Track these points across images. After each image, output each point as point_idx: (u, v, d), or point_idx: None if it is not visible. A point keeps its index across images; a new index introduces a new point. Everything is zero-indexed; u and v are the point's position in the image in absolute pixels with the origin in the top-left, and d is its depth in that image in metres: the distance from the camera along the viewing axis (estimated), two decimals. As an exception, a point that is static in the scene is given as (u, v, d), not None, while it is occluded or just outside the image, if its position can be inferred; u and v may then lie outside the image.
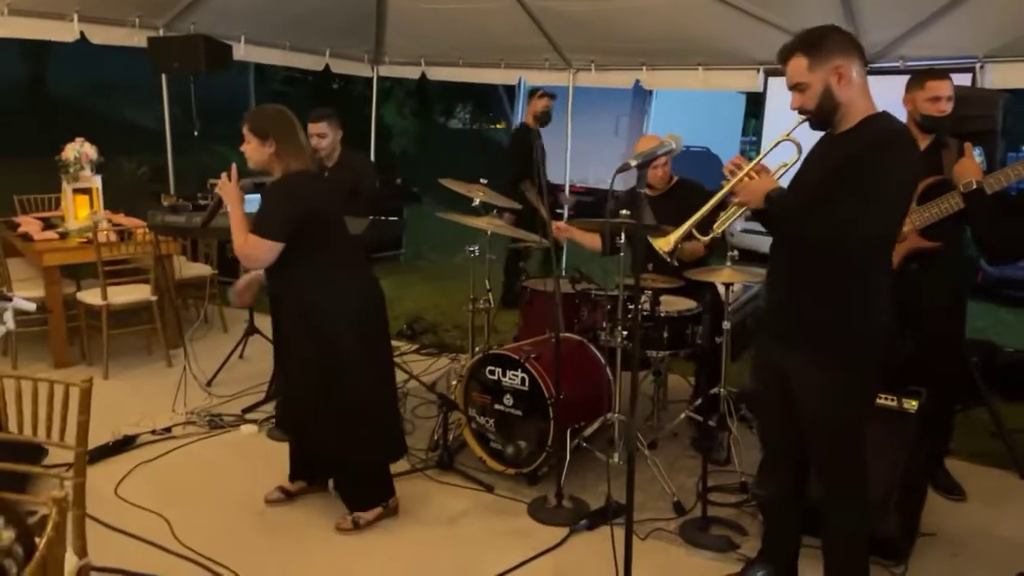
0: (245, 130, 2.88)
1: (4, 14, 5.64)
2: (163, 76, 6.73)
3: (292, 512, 3.16)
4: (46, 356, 4.70)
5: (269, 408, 4.12)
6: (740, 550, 2.92)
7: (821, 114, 2.15)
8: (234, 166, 2.95)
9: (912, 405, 2.83)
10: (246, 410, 4.10)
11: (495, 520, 3.15)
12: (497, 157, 13.06)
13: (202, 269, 5.46)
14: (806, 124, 2.23)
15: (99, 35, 6.24)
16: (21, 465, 2.16)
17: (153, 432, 3.80)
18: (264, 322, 4.64)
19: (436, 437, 3.57)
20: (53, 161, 4.95)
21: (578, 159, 7.74)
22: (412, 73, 7.80)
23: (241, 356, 4.79)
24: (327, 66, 7.61)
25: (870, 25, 5.20)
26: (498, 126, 15.26)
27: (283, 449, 3.32)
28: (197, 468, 3.53)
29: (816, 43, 2.12)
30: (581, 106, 7.24)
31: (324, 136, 4.05)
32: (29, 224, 4.92)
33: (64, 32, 6.05)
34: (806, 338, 2.21)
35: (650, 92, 10.21)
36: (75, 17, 6.00)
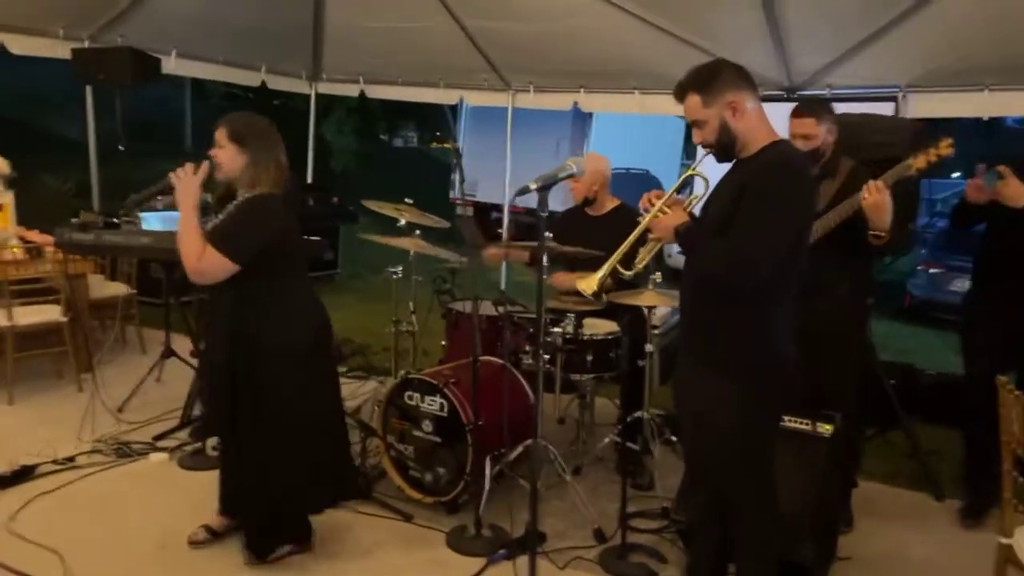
0: (220, 134, 2.67)
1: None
2: (88, 89, 6.52)
3: (200, 549, 3.00)
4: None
5: (183, 435, 3.95)
6: (659, 578, 2.88)
7: (721, 147, 2.21)
8: (205, 163, 2.68)
9: (826, 429, 2.83)
10: (158, 437, 3.92)
11: (412, 550, 3.05)
12: (441, 176, 13.06)
13: (118, 288, 5.24)
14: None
15: (19, 45, 6.02)
16: None
17: (54, 462, 3.59)
18: (181, 343, 4.47)
19: (356, 464, 3.45)
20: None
21: (518, 180, 7.73)
22: (351, 91, 7.72)
23: (158, 379, 4.59)
24: (263, 82, 7.47)
25: (797, 53, 5.32)
26: (444, 145, 15.27)
27: (196, 479, 3.17)
28: (100, 500, 3.34)
29: (708, 80, 2.16)
30: (521, 127, 7.25)
31: None
32: (-69, 240, 4.66)
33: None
34: (706, 359, 2.24)
35: (590, 114, 10.32)
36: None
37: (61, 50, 6.12)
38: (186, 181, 2.67)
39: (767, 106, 2.21)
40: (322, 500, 2.98)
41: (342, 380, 4.80)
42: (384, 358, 5.10)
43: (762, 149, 2.17)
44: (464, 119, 11.71)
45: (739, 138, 2.17)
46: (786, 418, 2.76)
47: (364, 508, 3.31)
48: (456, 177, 12.24)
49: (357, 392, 4.71)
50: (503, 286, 4.33)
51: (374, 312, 6.13)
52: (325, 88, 7.76)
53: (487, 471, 3.23)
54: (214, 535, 3.02)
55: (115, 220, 4.16)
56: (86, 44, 6.22)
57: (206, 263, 2.59)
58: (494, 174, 6.01)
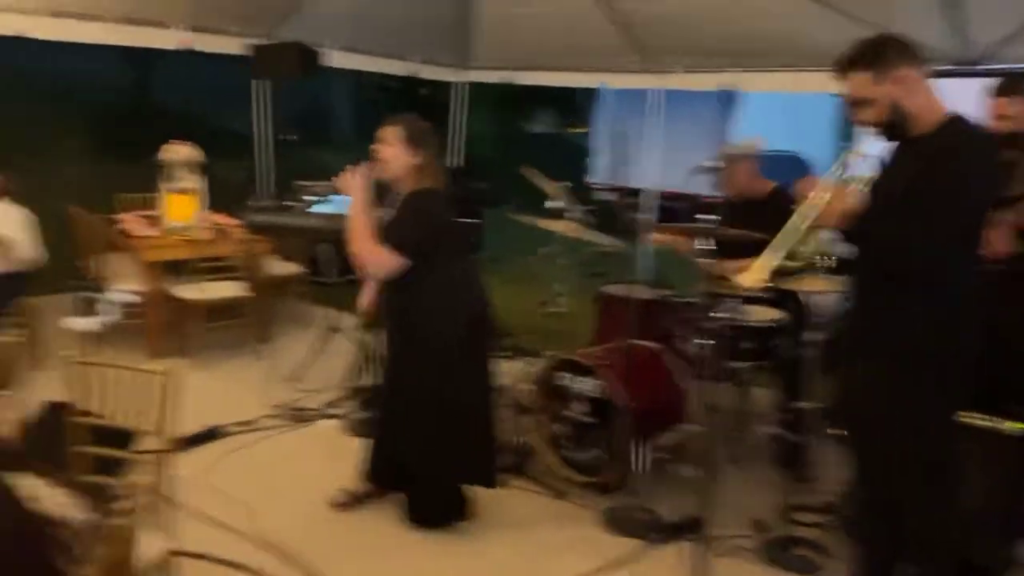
0: (391, 134, 2.82)
1: (111, 22, 6.01)
2: (257, 83, 7.03)
3: (366, 510, 3.21)
4: (142, 347, 4.95)
5: (350, 405, 4.22)
6: (823, 572, 2.80)
7: (892, 126, 2.10)
8: (367, 165, 2.85)
9: (1015, 427, 2.63)
10: (327, 405, 4.21)
11: (566, 527, 3.12)
12: (578, 160, 13.05)
13: (291, 268, 5.65)
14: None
15: (203, 43, 6.57)
16: (111, 450, 2.27)
17: (240, 423, 3.95)
18: (346, 321, 4.77)
19: (509, 440, 3.57)
20: (155, 163, 5.23)
21: (667, 164, 7.62)
22: (498, 78, 7.87)
23: (324, 353, 4.92)
24: (415, 72, 7.76)
25: (975, 22, 4.90)
26: (579, 129, 15.22)
27: (362, 445, 3.38)
28: (279, 459, 3.65)
29: (876, 55, 2.05)
30: (668, 110, 7.12)
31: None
32: (132, 222, 5.21)
33: (168, 40, 6.40)
34: (875, 349, 2.16)
35: (738, 94, 9.97)
36: (180, 26, 6.34)
37: (239, 47, 6.63)
38: (353, 184, 2.83)
39: (943, 82, 2.08)
40: (473, 475, 3.10)
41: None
42: (531, 339, 5.20)
43: (939, 127, 2.04)
44: (604, 102, 11.64)
45: (912, 116, 2.05)
46: (970, 414, 2.59)
47: (517, 483, 3.42)
48: (597, 161, 12.24)
49: (506, 371, 4.84)
50: (655, 271, 4.30)
51: (518, 294, 6.25)
52: (474, 76, 7.96)
53: (640, 454, 3.25)
54: (354, 499, 3.22)
55: (290, 203, 4.50)
56: (259, 41, 6.71)
57: (380, 258, 2.78)
58: (635, 158, 5.95)
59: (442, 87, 8.47)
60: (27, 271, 4.43)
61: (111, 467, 2.80)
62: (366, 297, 3.27)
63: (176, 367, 2.17)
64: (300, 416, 4.09)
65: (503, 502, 3.27)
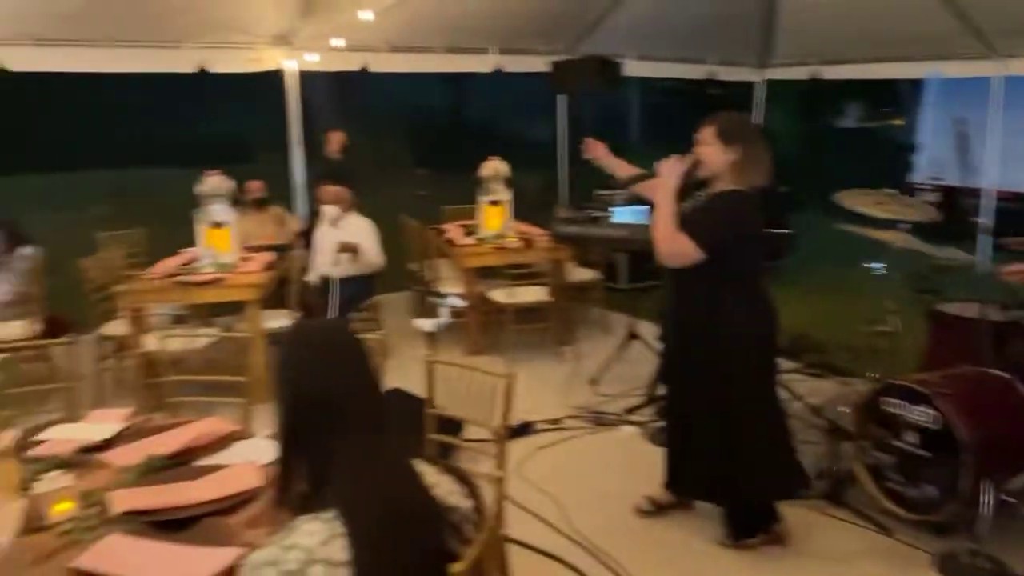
0: (707, 132, 2.81)
1: (439, 52, 6.74)
2: (560, 97, 7.40)
3: (667, 519, 3.23)
4: (462, 345, 5.48)
5: (649, 412, 4.27)
6: None
7: None
8: (690, 155, 2.83)
9: None
10: (628, 411, 4.31)
11: (894, 568, 2.85)
12: (891, 157, 11.82)
13: (589, 274, 5.87)
14: None
15: (512, 64, 7.10)
16: (448, 437, 2.55)
17: (546, 421, 4.19)
18: (645, 328, 4.84)
19: (824, 466, 3.35)
20: (470, 176, 5.75)
21: (1009, 161, 6.61)
22: (802, 74, 7.44)
23: (623, 358, 5.03)
24: (712, 75, 7.62)
25: None
26: (896, 122, 13.73)
27: (661, 454, 3.41)
28: (583, 461, 3.81)
29: None
30: (1013, 99, 6.18)
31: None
32: (453, 231, 5.79)
33: (484, 64, 7.01)
34: None
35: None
36: (494, 50, 6.91)
37: (542, 64, 7.05)
38: (669, 168, 2.84)
39: None
40: (779, 490, 2.98)
41: (797, 376, 4.75)
42: (845, 357, 4.84)
43: None
44: (931, 92, 10.41)
45: None
46: None
47: (835, 512, 3.20)
48: (921, 157, 10.97)
49: (815, 390, 4.55)
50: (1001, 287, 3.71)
51: (830, 307, 5.85)
52: (775, 74, 7.60)
53: (987, 496, 2.85)
54: (658, 508, 3.23)
55: (595, 214, 4.68)
56: (559, 57, 7.06)
57: (677, 243, 2.73)
58: (970, 154, 5.22)
59: (735, 87, 8.22)
60: (373, 274, 5.14)
61: (445, 453, 3.16)
62: None
63: (512, 371, 2.37)
64: (601, 420, 4.23)
65: (819, 531, 3.08)
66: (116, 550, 1.71)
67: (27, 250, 4.85)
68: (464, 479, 1.55)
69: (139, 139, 12.09)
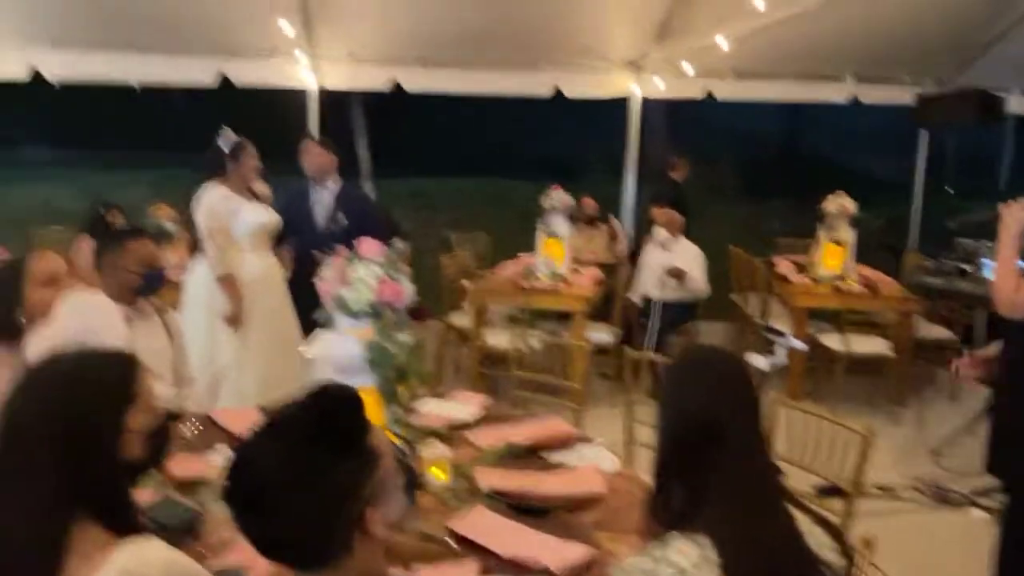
0: None
1: (787, 80, 6.49)
2: (923, 131, 6.71)
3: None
4: (780, 387, 5.19)
5: (1003, 497, 3.67)
6: None
7: None
8: None
9: None
10: (979, 492, 3.75)
11: None
12: None
13: (941, 332, 5.22)
14: None
15: (869, 95, 6.60)
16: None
17: (878, 487, 3.81)
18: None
19: None
20: (804, 209, 5.44)
21: None
22: None
23: (974, 432, 4.40)
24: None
25: None
26: None
27: None
28: (921, 540, 3.39)
29: None
30: None
31: None
32: (784, 266, 5.53)
33: (838, 93, 6.60)
34: None
35: None
36: (849, 78, 6.48)
37: (906, 96, 6.45)
38: (1013, 213, 2.52)
39: None
40: None
41: None
42: None
43: None
44: None
45: None
46: None
47: None
48: None
49: None
50: None
51: None
52: None
53: None
54: None
55: (965, 268, 4.15)
56: (929, 89, 6.40)
57: (1019, 296, 2.40)
58: None
59: None
60: (696, 301, 5.12)
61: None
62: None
63: (871, 428, 2.19)
64: (944, 497, 3.74)
65: None
66: (483, 522, 1.90)
67: (400, 244, 5.64)
68: (836, 534, 1.47)
69: (496, 152, 13.41)
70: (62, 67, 5.61)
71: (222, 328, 3.60)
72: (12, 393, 1.24)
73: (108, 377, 1.30)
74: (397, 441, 1.84)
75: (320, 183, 4.15)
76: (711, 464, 1.37)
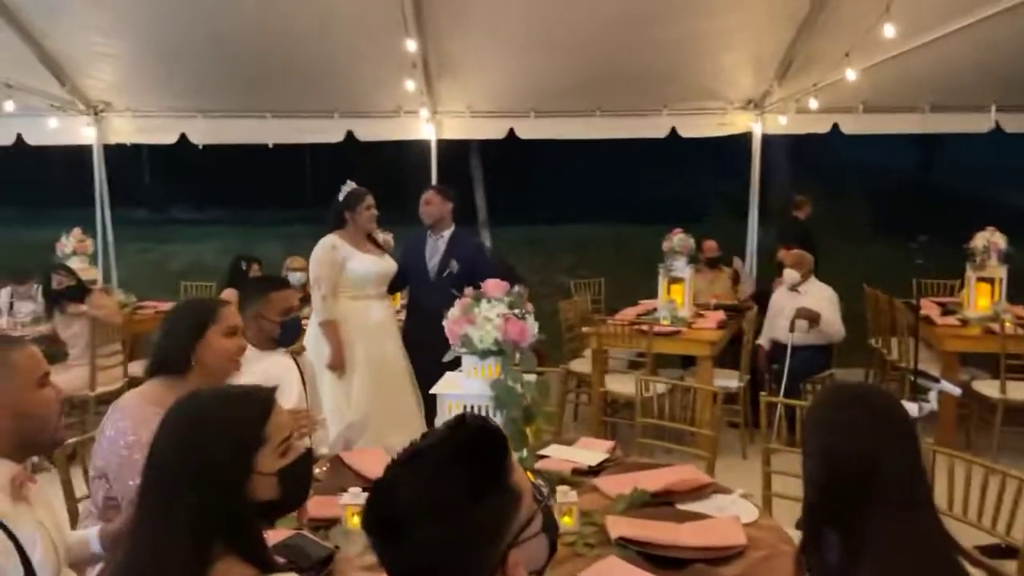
0: None
1: (920, 111, 6.14)
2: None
3: None
4: (928, 436, 4.78)
5: None
6: None
7: None
8: None
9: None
10: None
11: None
12: None
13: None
14: None
15: (1014, 124, 6.15)
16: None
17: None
18: None
19: None
20: (941, 243, 5.05)
21: None
22: None
23: None
24: None
25: None
26: None
27: None
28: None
29: None
30: None
31: None
32: (929, 307, 5.14)
33: (976, 123, 6.18)
34: None
35: None
36: (990, 108, 6.06)
37: None
38: None
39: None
40: None
41: None
42: None
43: None
44: None
45: None
46: None
47: None
48: None
49: None
50: None
51: None
52: None
53: None
54: None
55: None
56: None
57: None
58: None
59: None
60: (831, 345, 4.83)
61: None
62: None
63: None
64: None
65: None
66: (616, 572, 1.82)
67: (519, 287, 5.68)
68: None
69: (613, 196, 13.43)
70: (206, 133, 6.41)
71: (323, 372, 3.63)
72: (158, 430, 1.31)
73: (239, 417, 1.31)
74: (537, 481, 1.80)
75: (436, 232, 4.18)
76: (866, 512, 1.26)
